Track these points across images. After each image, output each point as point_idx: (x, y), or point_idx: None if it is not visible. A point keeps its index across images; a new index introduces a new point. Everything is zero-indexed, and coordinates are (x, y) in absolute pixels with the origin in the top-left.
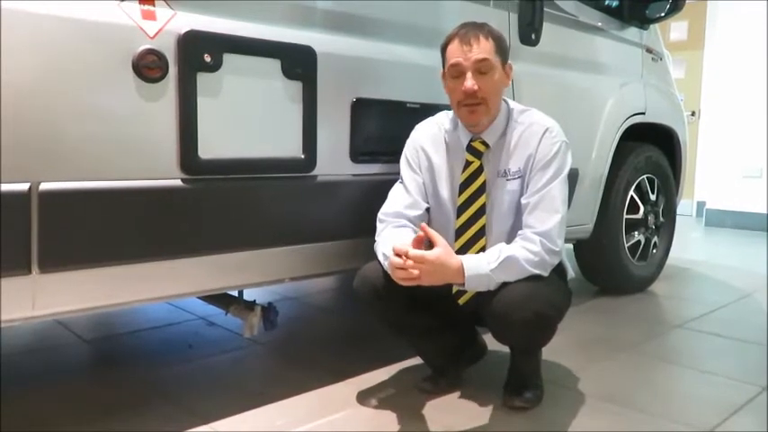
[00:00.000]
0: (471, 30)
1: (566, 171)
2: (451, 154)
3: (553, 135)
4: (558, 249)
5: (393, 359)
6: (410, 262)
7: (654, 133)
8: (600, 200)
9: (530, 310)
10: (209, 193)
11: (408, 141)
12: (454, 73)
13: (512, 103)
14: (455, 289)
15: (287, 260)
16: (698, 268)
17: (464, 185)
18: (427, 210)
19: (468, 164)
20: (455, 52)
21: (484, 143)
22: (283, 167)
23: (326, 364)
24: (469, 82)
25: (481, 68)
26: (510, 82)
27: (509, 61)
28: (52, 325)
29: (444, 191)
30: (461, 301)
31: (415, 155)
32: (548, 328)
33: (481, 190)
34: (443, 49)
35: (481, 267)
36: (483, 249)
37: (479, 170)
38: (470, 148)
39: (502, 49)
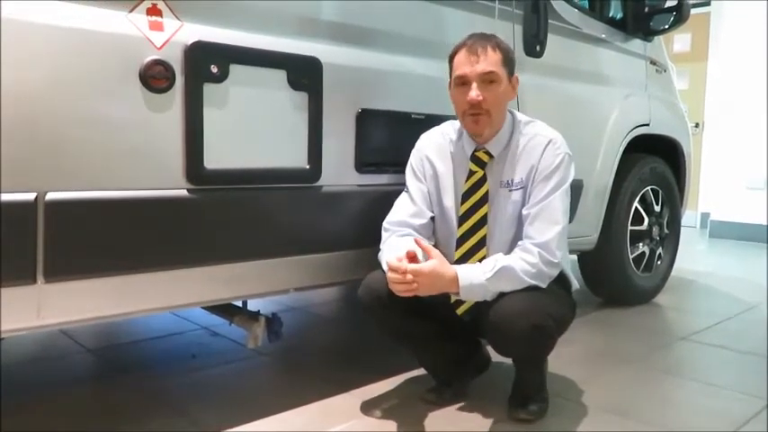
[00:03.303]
0: (479, 40)
1: (567, 183)
2: (456, 163)
3: (556, 147)
4: (556, 261)
5: (397, 370)
6: (409, 276)
7: (658, 145)
8: (604, 211)
9: (527, 321)
10: (215, 203)
11: (414, 150)
12: (460, 82)
13: (517, 115)
14: (453, 299)
15: (292, 270)
16: (702, 280)
17: (467, 195)
18: (432, 218)
19: (471, 173)
20: (462, 62)
21: (488, 153)
22: (288, 178)
23: (330, 374)
24: (474, 92)
25: (487, 79)
26: (516, 94)
27: (515, 74)
28: (56, 334)
29: (448, 200)
30: (460, 311)
31: (419, 164)
32: (546, 340)
33: (483, 200)
34: (451, 59)
35: (476, 277)
36: (483, 259)
37: (482, 180)
38: (474, 158)
39: (509, 62)
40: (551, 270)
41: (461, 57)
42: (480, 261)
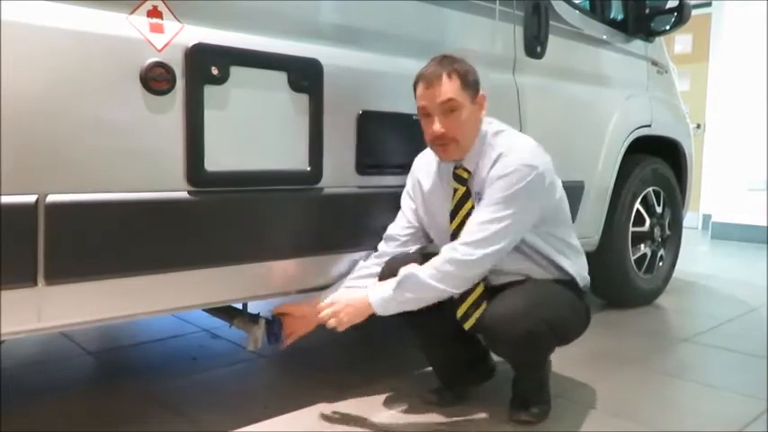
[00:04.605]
0: (435, 70)
1: (510, 192)
2: (443, 182)
3: (506, 160)
4: (464, 259)
5: (398, 372)
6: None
7: (659, 146)
8: (606, 212)
9: (520, 327)
10: (216, 205)
11: (411, 169)
12: (423, 113)
13: (488, 125)
14: (460, 313)
15: (292, 272)
16: (704, 282)
17: (454, 212)
18: (423, 232)
19: (455, 191)
20: (421, 95)
21: (466, 169)
22: (289, 180)
23: (330, 377)
24: (436, 125)
25: (447, 108)
26: (484, 112)
27: (481, 92)
28: (56, 337)
29: (441, 218)
30: (467, 326)
31: (411, 185)
32: (538, 345)
33: (469, 215)
34: (414, 88)
35: (384, 292)
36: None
37: (467, 195)
38: (455, 176)
39: (469, 84)
40: (460, 269)
41: (420, 89)
42: None
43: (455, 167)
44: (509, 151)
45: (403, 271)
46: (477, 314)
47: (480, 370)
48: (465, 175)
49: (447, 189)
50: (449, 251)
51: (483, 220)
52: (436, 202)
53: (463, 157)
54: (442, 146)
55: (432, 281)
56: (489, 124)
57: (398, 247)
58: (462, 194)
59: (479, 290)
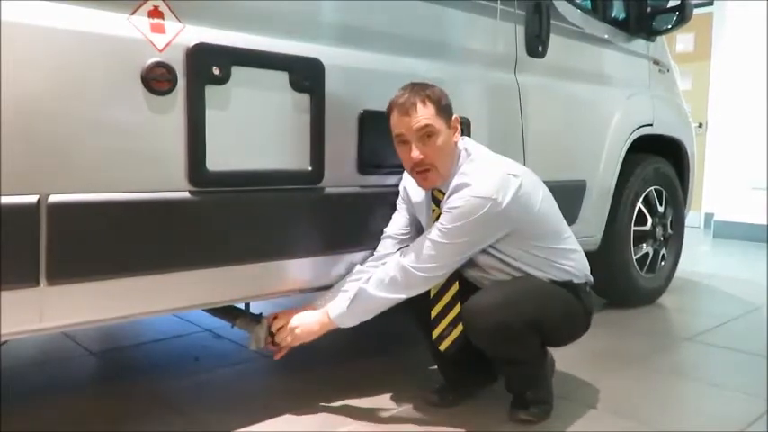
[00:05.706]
0: (410, 98)
1: (455, 225)
2: (427, 199)
3: (463, 192)
4: (411, 268)
5: (399, 373)
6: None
7: (661, 145)
8: (608, 212)
9: (491, 318)
10: (217, 205)
11: (402, 176)
12: (399, 141)
13: (462, 149)
14: (435, 335)
15: (294, 272)
16: (707, 281)
17: None
18: (419, 231)
19: (433, 211)
20: (397, 123)
21: (442, 192)
22: (291, 180)
23: (333, 377)
24: (415, 152)
25: (425, 134)
26: (459, 134)
27: (454, 115)
28: (58, 337)
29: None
30: (442, 347)
31: (402, 192)
32: (514, 340)
33: None
34: (387, 116)
35: (341, 308)
36: (456, 294)
37: None
38: (433, 197)
39: (443, 109)
40: (405, 277)
41: (395, 117)
42: (453, 296)
43: (433, 188)
44: (470, 181)
45: (359, 284)
46: (453, 335)
47: (486, 373)
48: (440, 197)
49: (429, 207)
50: (397, 260)
51: (430, 238)
52: (421, 216)
53: (444, 182)
54: (422, 173)
55: (380, 293)
56: (464, 148)
57: (397, 245)
58: (438, 216)
59: (456, 310)
